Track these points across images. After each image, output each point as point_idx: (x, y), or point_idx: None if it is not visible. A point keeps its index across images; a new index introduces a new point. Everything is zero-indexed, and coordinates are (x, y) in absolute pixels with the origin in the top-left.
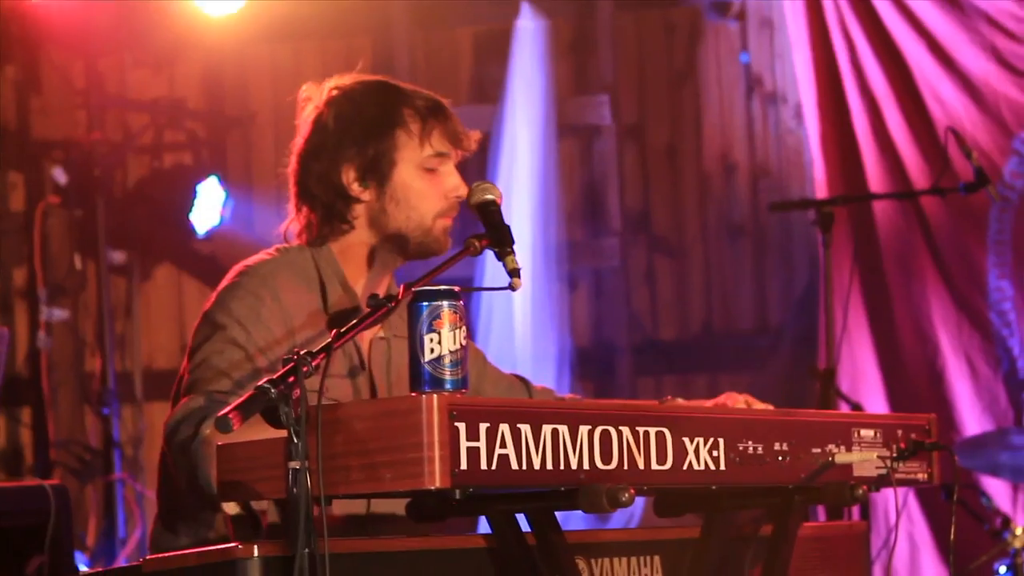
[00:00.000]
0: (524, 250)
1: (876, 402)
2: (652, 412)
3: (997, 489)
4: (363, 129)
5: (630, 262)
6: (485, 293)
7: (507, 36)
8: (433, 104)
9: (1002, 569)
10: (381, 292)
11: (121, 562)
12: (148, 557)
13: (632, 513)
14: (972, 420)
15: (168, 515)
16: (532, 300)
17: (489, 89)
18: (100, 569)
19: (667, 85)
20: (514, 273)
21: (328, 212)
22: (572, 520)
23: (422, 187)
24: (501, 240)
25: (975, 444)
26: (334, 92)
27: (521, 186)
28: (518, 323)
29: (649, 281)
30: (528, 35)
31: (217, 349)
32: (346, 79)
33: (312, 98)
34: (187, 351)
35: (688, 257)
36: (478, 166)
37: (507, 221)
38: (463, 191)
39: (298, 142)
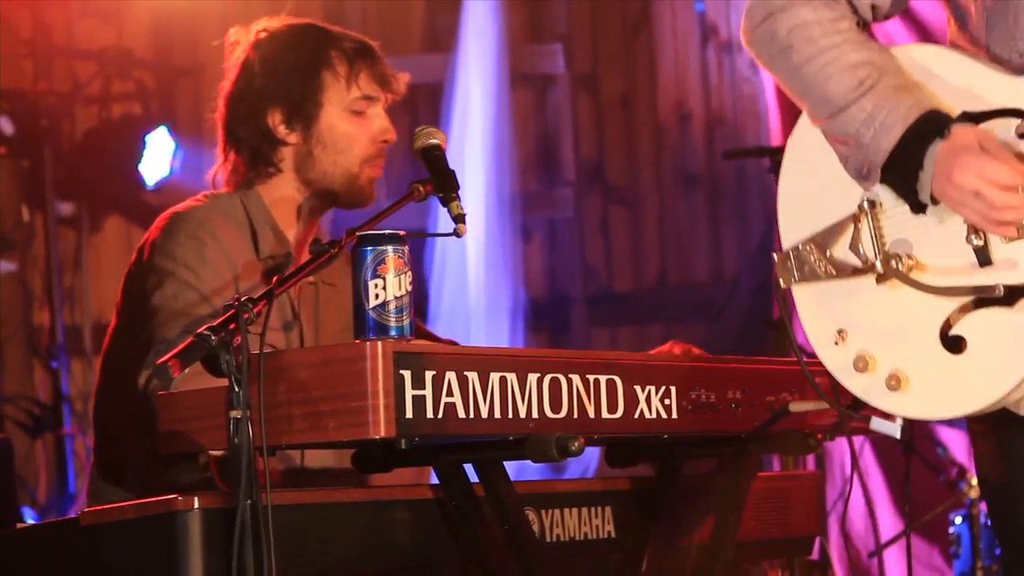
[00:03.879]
0: (477, 201)
1: None
2: (603, 360)
3: (953, 439)
4: (289, 71)
5: (584, 212)
6: (439, 245)
7: None
8: (361, 46)
9: (958, 520)
10: (310, 239)
11: None
12: (86, 510)
13: (587, 464)
14: None
15: (111, 468)
16: (486, 251)
17: (442, 38)
18: (37, 523)
19: (622, 34)
20: (459, 219)
21: (254, 156)
22: (527, 471)
23: (349, 130)
24: (446, 185)
25: None
26: (261, 34)
27: (474, 136)
28: (472, 275)
29: (604, 232)
30: None
31: (171, 294)
32: (274, 22)
33: (240, 41)
34: (119, 305)
35: (643, 207)
36: (431, 116)
37: (451, 166)
38: (391, 135)
39: (225, 85)
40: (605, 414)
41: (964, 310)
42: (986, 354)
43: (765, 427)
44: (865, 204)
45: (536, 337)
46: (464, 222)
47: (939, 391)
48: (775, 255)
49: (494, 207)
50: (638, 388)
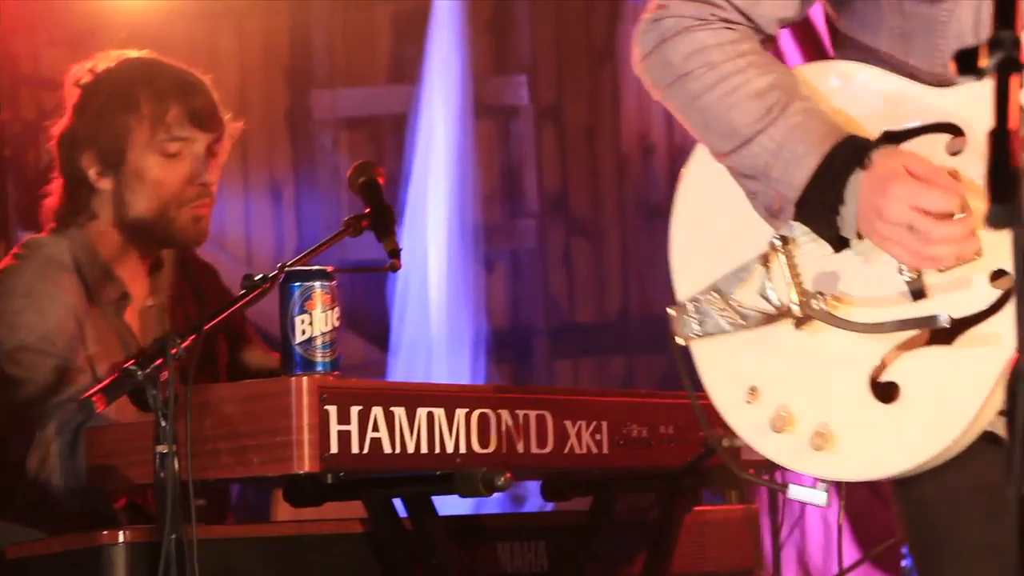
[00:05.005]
0: (440, 232)
1: None
2: (532, 395)
3: None
4: (96, 116)
5: (547, 244)
6: (400, 275)
7: (425, 15)
8: (178, 84)
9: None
10: (144, 275)
11: None
12: (10, 544)
13: None
14: None
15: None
16: (448, 282)
17: (407, 69)
18: None
19: (586, 65)
20: (393, 254)
21: (75, 200)
22: (486, 505)
23: (158, 175)
24: (382, 220)
25: None
26: (87, 76)
27: (438, 167)
28: (434, 305)
29: (566, 263)
30: (446, 14)
31: (28, 365)
32: (100, 59)
33: (77, 79)
34: None
35: (606, 239)
36: (395, 147)
37: (388, 201)
38: (205, 177)
39: (59, 125)
40: (534, 449)
41: (899, 349)
42: (924, 400)
43: (697, 462)
44: (776, 241)
45: (498, 368)
46: (399, 256)
47: (872, 446)
48: (670, 310)
49: (457, 238)
50: (568, 423)
